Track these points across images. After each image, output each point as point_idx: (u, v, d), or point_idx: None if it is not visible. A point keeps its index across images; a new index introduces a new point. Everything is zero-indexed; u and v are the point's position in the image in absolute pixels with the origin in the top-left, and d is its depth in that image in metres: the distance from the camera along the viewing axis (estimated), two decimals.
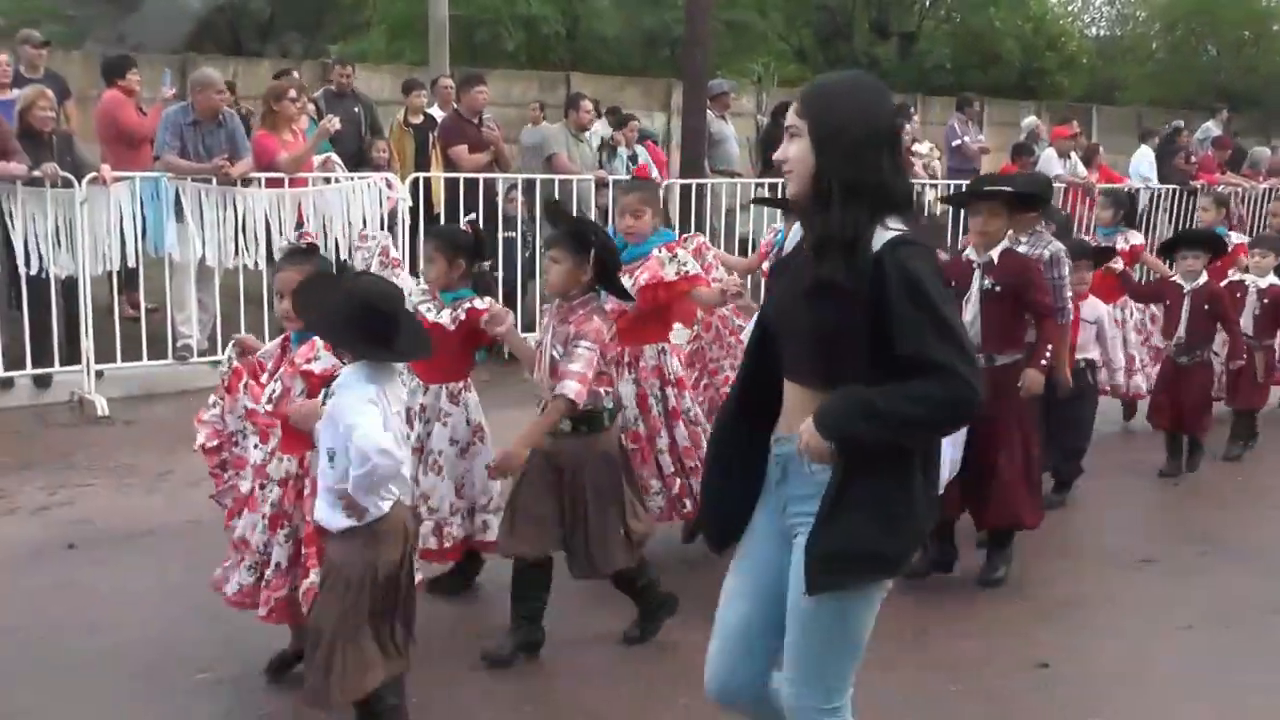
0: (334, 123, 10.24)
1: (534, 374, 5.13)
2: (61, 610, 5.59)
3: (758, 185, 12.95)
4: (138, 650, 5.11)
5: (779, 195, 8.73)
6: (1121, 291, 8.86)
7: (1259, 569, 6.67)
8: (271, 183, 9.88)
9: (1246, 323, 8.98)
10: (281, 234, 9.65)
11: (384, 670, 4.06)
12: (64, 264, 9.04)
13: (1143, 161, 16.70)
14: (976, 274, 6.07)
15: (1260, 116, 27.50)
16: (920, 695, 5.00)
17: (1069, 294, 6.56)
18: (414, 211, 10.70)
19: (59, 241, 9.01)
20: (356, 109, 12.18)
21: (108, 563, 6.19)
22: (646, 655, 5.24)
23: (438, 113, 12.58)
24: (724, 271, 6.49)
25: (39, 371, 9.23)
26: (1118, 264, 8.63)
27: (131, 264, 9.52)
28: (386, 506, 4.04)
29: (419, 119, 12.27)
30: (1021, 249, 6.43)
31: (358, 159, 11.38)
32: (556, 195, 11.10)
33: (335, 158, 10.60)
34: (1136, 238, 9.86)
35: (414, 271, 6.67)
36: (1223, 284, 8.96)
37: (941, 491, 5.83)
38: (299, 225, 9.82)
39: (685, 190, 12.48)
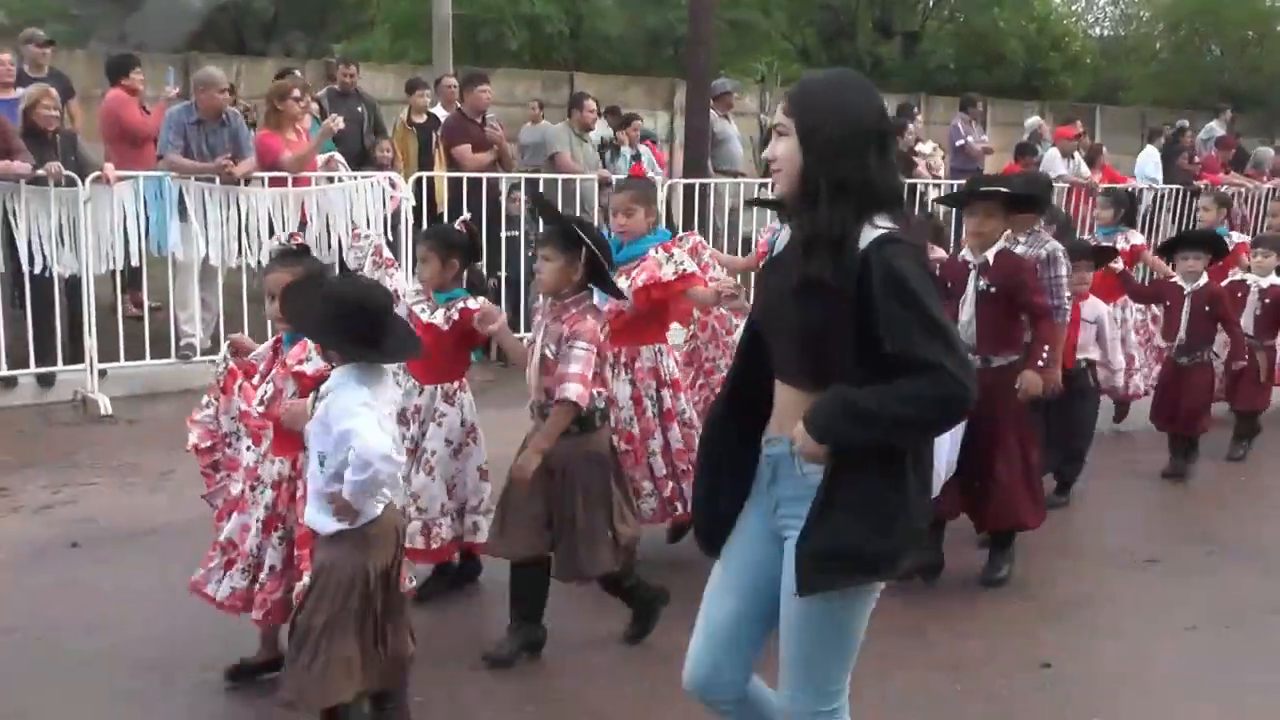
0: (338, 122, 10.24)
1: (525, 372, 5.12)
2: (64, 609, 5.59)
3: (761, 185, 12.93)
4: (140, 649, 5.11)
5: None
6: (1121, 291, 8.85)
7: (1262, 569, 6.67)
8: (275, 182, 9.88)
9: (1247, 322, 8.98)
10: (285, 233, 9.65)
11: (362, 681, 4.02)
12: (67, 263, 9.04)
13: (1148, 162, 16.70)
14: (972, 275, 6.05)
15: (1264, 116, 27.48)
16: (922, 695, 5.00)
17: (1066, 293, 6.53)
18: (417, 211, 10.71)
19: (62, 240, 9.01)
20: (360, 108, 12.19)
21: (111, 561, 6.20)
22: (648, 655, 5.24)
23: (441, 112, 12.58)
24: (721, 271, 6.47)
25: (42, 370, 9.24)
26: (1118, 264, 8.61)
27: (135, 263, 9.52)
28: (378, 509, 4.03)
29: (422, 118, 12.28)
30: (1020, 249, 6.42)
31: (361, 158, 11.38)
32: (560, 194, 11.11)
33: (339, 157, 10.60)
34: (1137, 237, 9.85)
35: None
36: (1224, 283, 8.95)
37: (937, 493, 5.86)
38: (302, 225, 9.83)
39: (689, 190, 12.48)
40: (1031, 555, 6.47)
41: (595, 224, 7.66)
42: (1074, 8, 36.89)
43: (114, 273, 9.51)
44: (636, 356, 6.00)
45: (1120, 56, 34.19)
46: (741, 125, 15.40)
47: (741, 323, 6.19)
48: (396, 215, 10.43)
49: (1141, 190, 15.73)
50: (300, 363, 4.43)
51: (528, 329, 8.11)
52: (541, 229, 5.52)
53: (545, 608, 5.19)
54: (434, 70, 15.70)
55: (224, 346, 5.05)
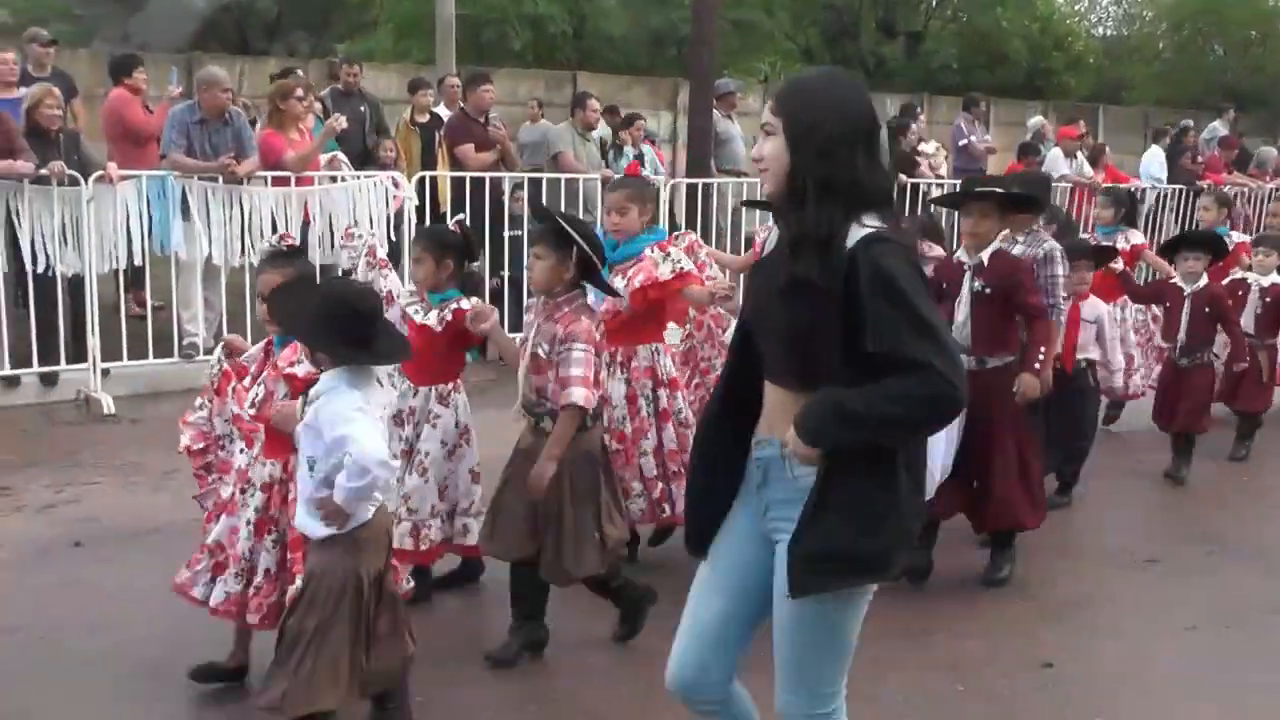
0: (340, 121, 10.24)
1: (517, 371, 5.10)
2: (67, 608, 5.60)
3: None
4: (143, 649, 5.12)
5: None
6: (1121, 291, 8.83)
7: (1263, 569, 6.68)
8: (278, 181, 9.89)
9: (1247, 321, 8.96)
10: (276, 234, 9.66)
11: (347, 691, 3.97)
12: (70, 262, 9.05)
13: (1153, 162, 16.71)
14: (967, 276, 6.04)
15: (1267, 116, 27.44)
16: (924, 695, 5.01)
17: (1062, 293, 6.53)
18: (420, 210, 10.71)
19: (65, 240, 9.02)
20: (363, 108, 12.19)
21: (114, 561, 6.21)
22: (649, 656, 5.21)
23: (444, 111, 12.58)
24: (717, 269, 6.47)
25: (45, 369, 9.25)
26: (1118, 264, 8.59)
27: (138, 262, 9.52)
28: (369, 513, 4.00)
29: (425, 118, 12.28)
30: (1018, 248, 6.41)
31: (364, 158, 11.39)
32: (562, 194, 11.12)
33: (342, 156, 10.61)
34: (1137, 237, 9.84)
35: None
36: (1225, 282, 8.94)
37: (932, 494, 5.86)
38: (305, 224, 9.85)
39: (691, 190, 12.48)
40: (1032, 555, 6.47)
41: (599, 223, 7.64)
42: (1077, 7, 36.90)
43: (117, 272, 9.52)
44: (633, 355, 5.98)
45: (1123, 56, 34.18)
46: (745, 125, 15.39)
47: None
48: (399, 215, 10.43)
49: (1144, 190, 15.73)
50: (291, 365, 4.40)
51: None
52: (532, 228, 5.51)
53: (546, 607, 5.19)
54: (437, 70, 15.70)
55: (218, 349, 5.05)
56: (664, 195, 11.85)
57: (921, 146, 14.95)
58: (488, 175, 11.05)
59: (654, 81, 21.91)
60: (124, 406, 9.12)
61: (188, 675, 4.79)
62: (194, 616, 4.82)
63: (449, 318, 5.32)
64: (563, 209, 10.00)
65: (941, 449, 5.79)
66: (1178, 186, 16.05)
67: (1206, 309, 8.21)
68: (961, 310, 6.02)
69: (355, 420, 3.86)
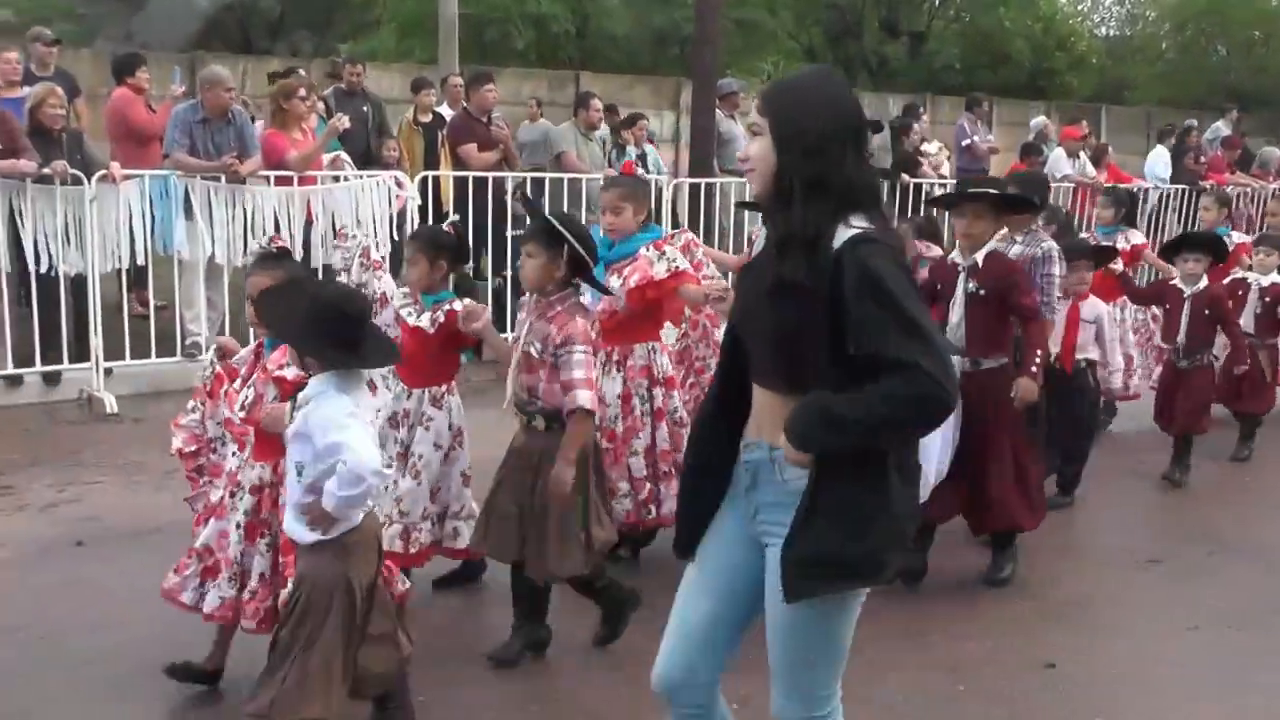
0: (343, 121, 10.25)
1: (508, 370, 5.08)
2: (68, 607, 5.61)
3: None
4: (144, 648, 5.11)
5: None
6: (1121, 291, 8.81)
7: (1265, 569, 6.67)
8: (280, 181, 9.89)
9: (1247, 321, 8.94)
10: (291, 232, 9.67)
11: (336, 702, 3.93)
12: (73, 261, 9.06)
13: (1158, 162, 16.72)
14: (961, 277, 6.02)
15: (1270, 116, 27.42)
16: (926, 695, 5.01)
17: (1057, 292, 6.53)
18: (423, 210, 10.71)
19: (68, 239, 9.03)
20: (365, 108, 12.20)
21: (115, 560, 6.21)
22: (651, 657, 5.22)
23: (447, 111, 12.60)
24: (714, 269, 6.47)
25: (48, 369, 9.26)
26: (1118, 265, 8.57)
27: (141, 262, 9.52)
28: (358, 518, 3.96)
29: (428, 117, 12.30)
30: (1016, 248, 6.41)
31: (366, 158, 11.39)
32: (565, 194, 11.12)
33: (344, 156, 10.62)
34: (1137, 237, 9.83)
35: None
36: (1225, 281, 8.92)
37: (928, 496, 5.85)
38: (308, 224, 9.85)
39: (694, 189, 12.49)
40: (1034, 556, 6.47)
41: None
42: (1080, 7, 36.91)
43: (120, 271, 9.54)
44: (629, 354, 5.97)
45: (1126, 56, 34.19)
46: (747, 125, 15.38)
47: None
48: (402, 215, 10.43)
49: (1147, 190, 15.73)
50: (281, 367, 4.37)
51: None
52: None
53: (548, 607, 5.19)
54: (440, 69, 15.72)
55: (210, 351, 5.03)
56: (667, 195, 11.87)
57: (924, 146, 14.95)
58: (490, 175, 11.05)
59: (657, 81, 21.92)
60: (126, 406, 9.12)
61: (163, 671, 4.77)
62: (195, 615, 4.82)
63: (442, 319, 5.32)
64: (565, 209, 10.01)
65: (936, 451, 5.78)
66: (1181, 187, 16.04)
67: (1206, 311, 8.18)
68: (956, 311, 6.01)
69: (349, 427, 3.82)
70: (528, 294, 5.14)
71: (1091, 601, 6.16)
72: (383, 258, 5.82)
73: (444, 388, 5.53)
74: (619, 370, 5.94)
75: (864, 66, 30.16)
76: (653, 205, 11.24)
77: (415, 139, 12.16)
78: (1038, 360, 6.09)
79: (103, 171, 9.18)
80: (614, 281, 5.73)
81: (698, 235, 7.19)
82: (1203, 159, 17.07)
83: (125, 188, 9.23)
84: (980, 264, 5.98)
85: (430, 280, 5.41)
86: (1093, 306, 7.60)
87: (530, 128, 13.97)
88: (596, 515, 4.98)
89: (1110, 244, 8.73)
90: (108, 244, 9.16)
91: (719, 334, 6.32)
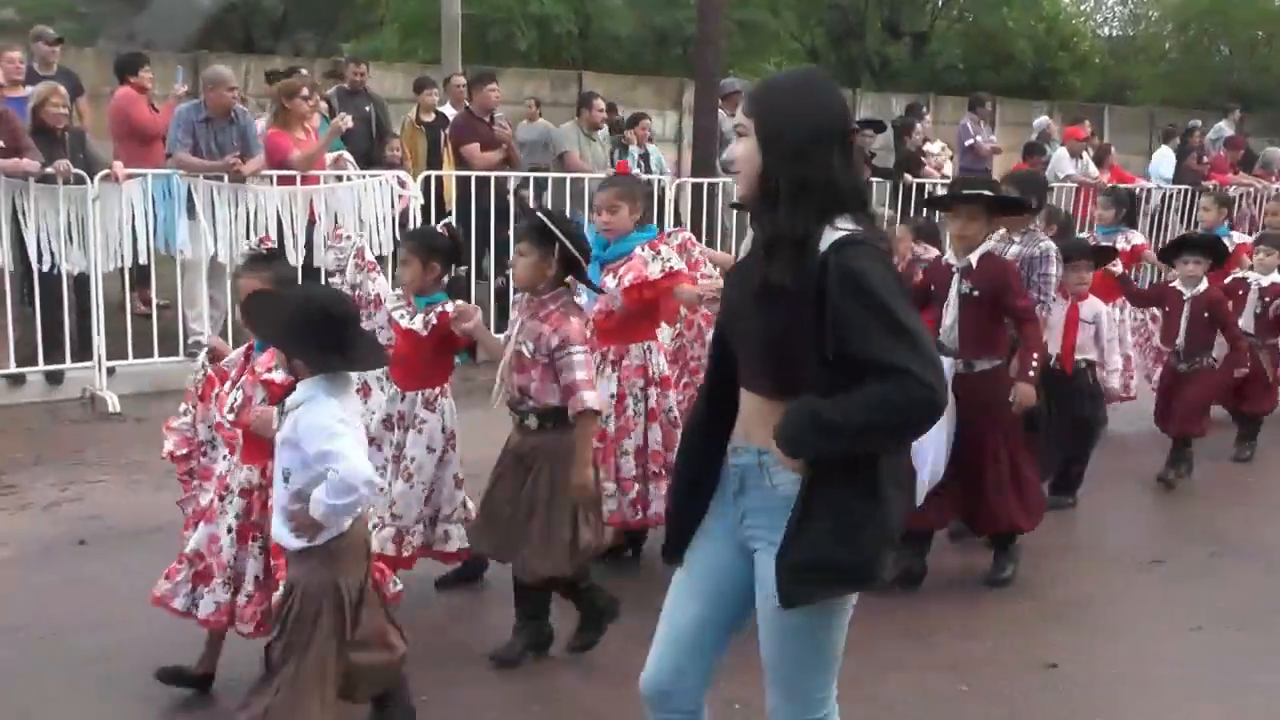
0: (346, 121, 10.25)
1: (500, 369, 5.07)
2: (70, 606, 5.61)
3: None
4: (146, 647, 5.10)
5: None
6: (1120, 292, 8.78)
7: (1267, 569, 6.67)
8: (283, 180, 9.89)
9: (1247, 321, 8.91)
10: (293, 232, 9.68)
11: (329, 708, 3.91)
12: (76, 260, 9.06)
13: (1163, 162, 16.71)
14: (955, 278, 6.00)
15: (1273, 116, 27.39)
16: (928, 695, 5.01)
17: (1052, 292, 6.54)
18: (426, 210, 10.72)
19: (71, 238, 9.04)
20: (368, 107, 12.19)
21: (118, 559, 6.21)
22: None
23: (449, 111, 12.59)
24: (712, 268, 6.46)
25: (51, 368, 9.27)
26: (1117, 267, 8.53)
27: (143, 261, 9.52)
28: (346, 524, 3.92)
29: (431, 117, 12.29)
30: (1014, 248, 6.41)
31: (369, 157, 11.40)
32: (568, 194, 11.12)
33: (347, 156, 10.61)
34: (1137, 238, 9.81)
35: None
36: (1226, 281, 8.90)
37: (923, 500, 5.84)
38: (311, 223, 9.85)
39: (696, 189, 12.49)
40: (1036, 556, 6.47)
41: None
42: (1083, 7, 36.89)
43: (122, 270, 9.55)
44: (625, 354, 5.97)
45: (1129, 56, 34.18)
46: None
47: None
48: (405, 215, 10.43)
49: (1150, 190, 15.72)
50: (269, 370, 4.35)
51: None
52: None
53: (550, 607, 5.19)
54: (443, 69, 15.72)
55: (201, 353, 5.02)
56: (670, 195, 11.87)
57: (927, 147, 14.94)
58: (493, 175, 11.05)
59: (659, 81, 21.92)
60: (129, 405, 9.12)
61: (154, 675, 4.76)
62: None
63: (434, 321, 5.30)
64: (568, 209, 10.01)
65: (930, 455, 5.78)
66: (1183, 187, 16.03)
67: (1206, 314, 8.12)
68: (949, 313, 5.99)
69: (340, 434, 3.79)
70: (519, 292, 5.13)
71: (1093, 602, 6.16)
72: (380, 258, 5.80)
73: (437, 390, 5.52)
74: (614, 370, 5.94)
75: (867, 67, 30.18)
76: (656, 205, 11.28)
77: (418, 139, 12.15)
78: (1034, 364, 6.07)
79: (106, 171, 9.18)
80: (609, 281, 5.73)
81: (700, 235, 7.19)
82: (1205, 159, 17.06)
83: (128, 187, 9.23)
84: (974, 265, 5.95)
85: (423, 282, 5.40)
86: (1092, 306, 7.57)
87: (528, 128, 13.97)
88: (585, 516, 4.95)
89: (1110, 244, 8.72)
90: (110, 243, 9.17)
91: None
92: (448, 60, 16.42)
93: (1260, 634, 5.78)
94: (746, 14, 24.30)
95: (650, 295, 5.84)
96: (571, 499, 4.88)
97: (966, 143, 15.76)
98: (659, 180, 12.01)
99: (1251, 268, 9.28)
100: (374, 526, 5.29)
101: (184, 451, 4.93)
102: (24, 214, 8.85)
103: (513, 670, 5.07)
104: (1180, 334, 8.19)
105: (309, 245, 9.69)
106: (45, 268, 8.93)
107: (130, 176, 9.26)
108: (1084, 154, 15.36)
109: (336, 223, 9.83)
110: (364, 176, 10.41)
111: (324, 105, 11.51)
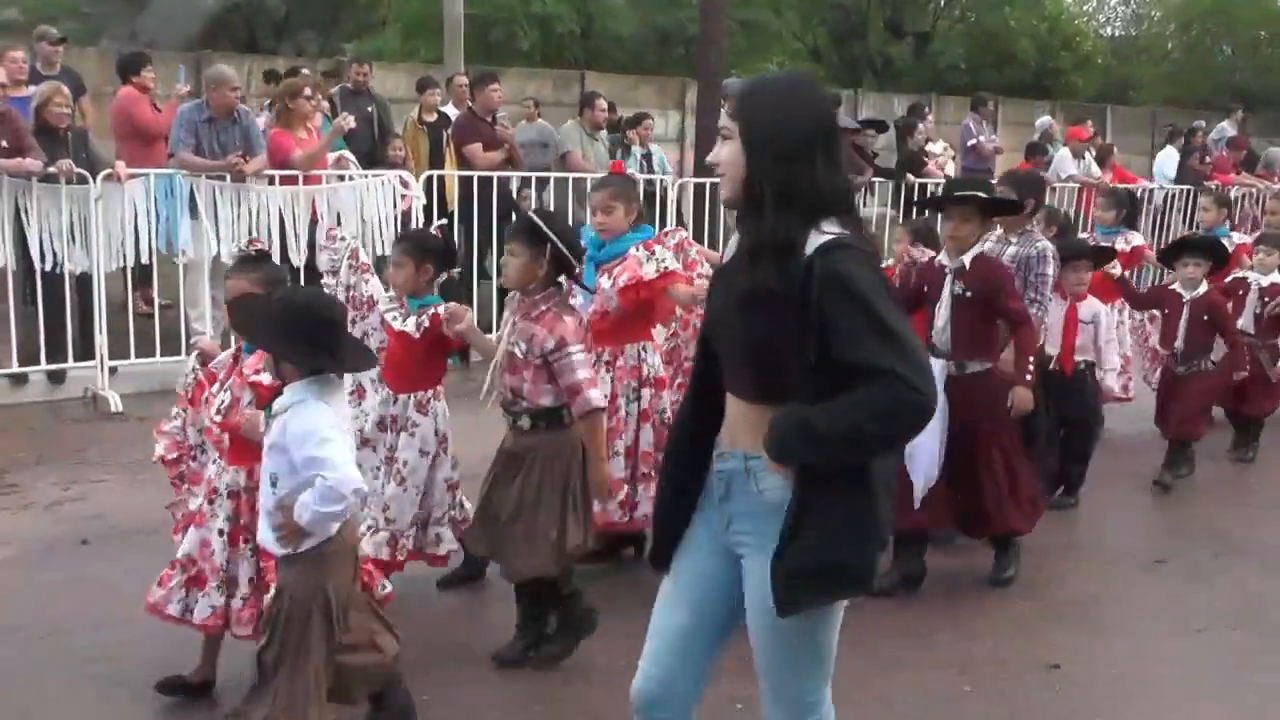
0: (348, 120, 10.24)
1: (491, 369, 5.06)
2: (72, 606, 5.61)
3: None
4: (148, 647, 5.10)
5: None
6: (1118, 292, 8.76)
7: (1271, 569, 6.66)
8: (286, 180, 9.89)
9: (1247, 321, 8.88)
10: (296, 231, 9.68)
11: (324, 712, 3.90)
12: (78, 260, 9.07)
13: (1167, 162, 16.69)
14: (948, 279, 5.97)
15: (1275, 116, 27.42)
16: (929, 695, 5.00)
17: (1049, 292, 6.53)
18: (428, 210, 10.71)
19: (74, 237, 9.04)
20: (370, 107, 12.19)
21: (120, 558, 6.20)
22: None
23: (452, 111, 12.59)
24: (709, 268, 6.46)
25: (53, 367, 9.27)
26: (1115, 268, 8.51)
27: (145, 260, 9.52)
28: (333, 529, 3.88)
29: (433, 117, 12.28)
30: (1012, 249, 6.40)
31: (371, 157, 11.40)
32: (570, 194, 11.12)
33: (349, 156, 10.61)
34: (1137, 238, 9.79)
35: None
36: (1226, 281, 8.88)
37: (920, 502, 5.84)
38: (313, 223, 9.85)
39: (699, 189, 12.48)
40: (1039, 556, 6.46)
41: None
42: (1085, 7, 36.97)
43: (125, 270, 9.55)
44: (620, 354, 5.96)
45: (1131, 56, 34.22)
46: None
47: None
48: (407, 215, 10.43)
49: (1152, 190, 15.71)
50: (257, 372, 4.32)
51: None
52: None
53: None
54: (445, 69, 15.72)
55: (192, 356, 5.01)
56: (672, 195, 11.87)
57: (929, 146, 14.95)
58: (495, 175, 11.05)
59: (662, 81, 21.94)
60: (131, 404, 9.12)
61: (154, 688, 4.73)
62: None
63: (427, 324, 5.29)
64: (570, 209, 10.02)
65: (924, 459, 5.77)
66: (1185, 187, 16.02)
67: (1205, 317, 8.08)
68: (942, 314, 5.96)
69: (331, 441, 3.75)
70: (511, 293, 5.13)
71: (1095, 602, 6.16)
72: (383, 258, 5.80)
73: (429, 393, 5.52)
74: (608, 370, 5.93)
75: (869, 67, 30.20)
76: (658, 205, 11.28)
77: (420, 139, 12.14)
78: (1030, 367, 6.06)
79: (108, 170, 9.18)
80: (604, 282, 5.73)
81: (703, 235, 7.18)
82: (1208, 159, 17.04)
83: (130, 186, 9.23)
84: (968, 266, 5.91)
85: (416, 284, 5.40)
86: (1090, 306, 7.55)
87: (528, 128, 13.97)
88: (575, 517, 4.92)
89: (1109, 245, 8.70)
90: (113, 243, 9.17)
91: None
92: (450, 60, 16.42)
93: (1261, 634, 5.78)
94: (749, 14, 24.33)
95: (645, 295, 5.83)
96: (560, 499, 4.87)
97: (969, 142, 15.75)
98: (661, 180, 12.01)
99: (1252, 268, 9.25)
100: (368, 529, 5.29)
101: (174, 455, 4.93)
102: (27, 214, 8.85)
103: (514, 670, 5.07)
104: (1179, 337, 8.14)
105: (311, 245, 9.68)
106: (48, 267, 8.93)
107: (133, 176, 9.26)
108: (1086, 154, 15.37)
109: (338, 222, 9.86)
110: (366, 176, 10.40)
111: (326, 105, 11.52)
